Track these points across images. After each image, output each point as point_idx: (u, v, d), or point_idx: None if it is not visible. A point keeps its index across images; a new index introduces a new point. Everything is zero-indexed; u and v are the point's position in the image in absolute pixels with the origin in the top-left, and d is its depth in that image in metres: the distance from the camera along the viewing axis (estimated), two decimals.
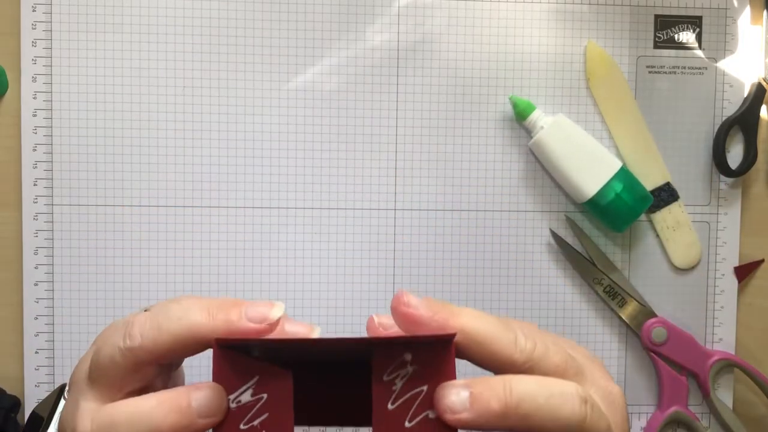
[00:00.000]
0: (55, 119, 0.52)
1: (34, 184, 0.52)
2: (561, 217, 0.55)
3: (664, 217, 0.56)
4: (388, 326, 0.31)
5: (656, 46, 0.55)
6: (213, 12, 0.53)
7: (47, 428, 0.43)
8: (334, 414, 0.32)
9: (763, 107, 0.56)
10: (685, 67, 0.55)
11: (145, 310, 0.32)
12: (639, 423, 0.57)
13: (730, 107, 0.56)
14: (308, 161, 0.54)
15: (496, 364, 0.31)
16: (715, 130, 0.56)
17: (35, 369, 0.53)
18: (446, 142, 0.55)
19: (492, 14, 0.54)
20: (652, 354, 0.56)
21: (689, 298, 0.56)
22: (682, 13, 0.55)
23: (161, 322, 0.30)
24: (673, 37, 0.55)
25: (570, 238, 0.55)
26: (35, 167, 0.52)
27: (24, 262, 0.53)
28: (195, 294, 0.54)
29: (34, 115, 0.52)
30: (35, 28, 0.52)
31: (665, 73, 0.55)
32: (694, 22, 0.55)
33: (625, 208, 0.52)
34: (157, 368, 0.31)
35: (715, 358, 0.56)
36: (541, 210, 0.55)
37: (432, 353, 0.29)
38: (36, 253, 0.53)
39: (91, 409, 0.30)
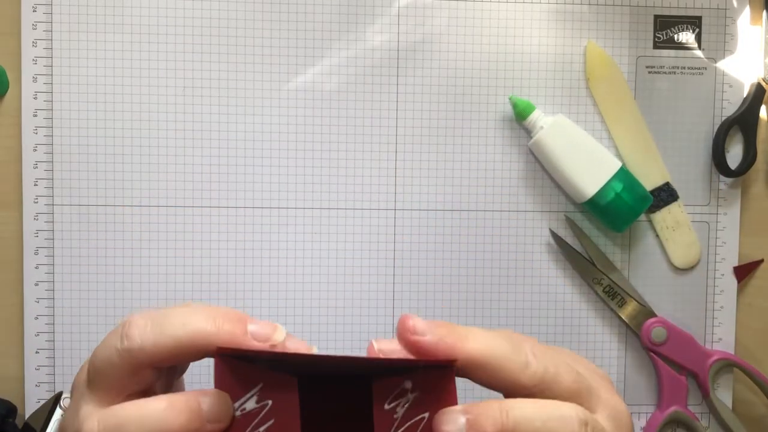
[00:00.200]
0: (55, 119, 0.52)
1: (35, 184, 0.53)
2: (561, 217, 0.55)
3: (664, 217, 0.56)
4: (387, 352, 0.31)
5: (656, 46, 0.55)
6: (213, 12, 0.53)
7: None
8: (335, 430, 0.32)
9: (763, 107, 0.56)
10: (684, 68, 0.56)
11: None
12: (638, 423, 0.57)
13: (730, 107, 0.56)
14: (308, 161, 0.54)
15: (506, 388, 0.30)
16: (715, 130, 0.56)
17: (35, 369, 0.53)
18: (446, 142, 0.55)
19: (492, 14, 0.54)
20: (652, 354, 0.56)
21: (689, 298, 0.57)
22: (682, 13, 0.55)
23: (164, 325, 0.30)
24: (673, 38, 0.55)
25: (570, 238, 0.55)
26: (36, 167, 0.52)
27: (24, 262, 0.53)
28: (195, 293, 0.54)
29: (35, 115, 0.52)
30: (36, 28, 0.52)
31: (665, 73, 0.55)
32: (694, 23, 0.55)
33: (625, 208, 0.52)
34: (156, 372, 0.31)
35: (715, 357, 0.56)
36: (540, 210, 0.55)
37: (432, 380, 0.29)
38: (36, 253, 0.53)
39: (92, 412, 0.30)
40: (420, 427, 0.29)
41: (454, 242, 0.55)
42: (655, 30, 0.55)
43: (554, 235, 0.55)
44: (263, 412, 0.29)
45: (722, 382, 0.57)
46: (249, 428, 0.29)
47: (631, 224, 0.54)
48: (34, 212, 0.53)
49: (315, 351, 0.32)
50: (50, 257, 0.53)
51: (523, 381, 0.30)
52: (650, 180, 0.55)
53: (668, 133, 0.56)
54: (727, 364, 0.56)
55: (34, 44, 0.52)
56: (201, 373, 0.52)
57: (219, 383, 0.29)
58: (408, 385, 0.29)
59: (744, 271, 0.57)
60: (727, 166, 0.55)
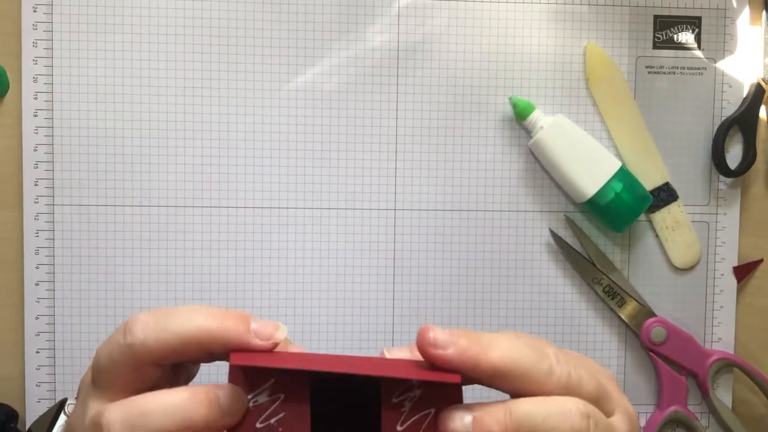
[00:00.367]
0: (55, 119, 0.52)
1: (35, 185, 0.53)
2: (560, 217, 0.55)
3: (664, 217, 0.56)
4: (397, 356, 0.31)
5: (655, 46, 0.55)
6: (213, 12, 0.53)
7: None
8: (345, 430, 0.33)
9: (762, 107, 0.56)
10: (684, 68, 0.56)
11: None
12: (638, 423, 0.57)
13: (729, 107, 0.56)
14: (308, 161, 0.54)
15: (531, 395, 0.30)
16: (714, 130, 0.56)
17: (36, 369, 0.53)
18: (446, 142, 0.55)
19: (492, 14, 0.54)
20: (652, 354, 0.56)
21: (688, 297, 0.57)
22: (682, 13, 0.55)
23: (167, 321, 0.30)
24: (673, 38, 0.55)
25: (569, 238, 0.55)
26: (36, 167, 0.53)
27: (25, 262, 0.53)
28: (195, 293, 0.54)
29: (35, 116, 0.52)
30: (36, 29, 0.52)
31: (664, 73, 0.56)
32: (694, 23, 0.55)
33: (625, 208, 0.52)
34: (159, 370, 0.31)
35: (715, 357, 0.56)
36: (540, 210, 0.55)
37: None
38: (37, 253, 0.53)
39: (103, 407, 0.30)
40: (426, 422, 0.29)
41: (454, 242, 0.55)
42: (655, 30, 0.55)
43: (554, 235, 0.55)
44: (274, 405, 0.29)
45: (722, 382, 0.57)
46: (260, 419, 0.29)
47: (630, 224, 0.54)
48: (34, 212, 0.53)
49: (283, 333, 0.33)
50: (50, 257, 0.53)
51: (548, 388, 0.30)
52: (650, 180, 0.55)
53: (668, 133, 0.56)
54: (727, 364, 0.56)
55: (35, 44, 0.52)
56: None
57: (233, 379, 0.29)
58: (416, 381, 0.30)
59: (744, 271, 0.57)
60: (727, 166, 0.55)
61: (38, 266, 0.53)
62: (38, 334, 0.53)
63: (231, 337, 0.30)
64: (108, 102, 0.53)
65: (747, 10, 0.56)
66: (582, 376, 0.31)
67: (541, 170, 0.55)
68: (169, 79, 0.53)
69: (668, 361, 0.56)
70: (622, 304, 0.55)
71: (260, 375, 0.29)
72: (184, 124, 0.53)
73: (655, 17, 0.55)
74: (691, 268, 0.57)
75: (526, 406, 0.30)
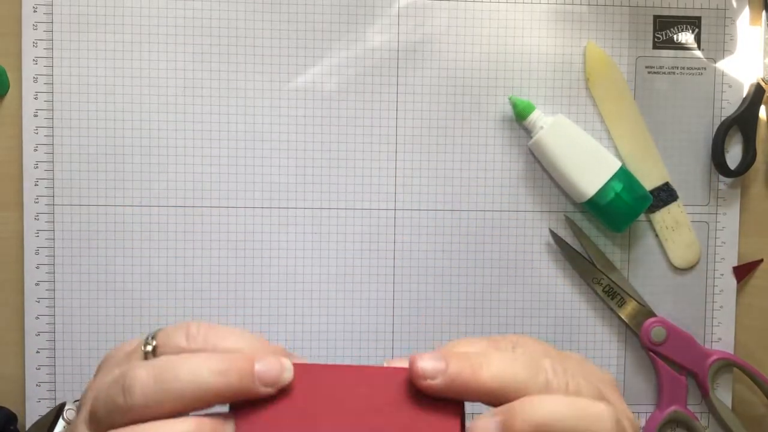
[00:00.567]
0: (56, 119, 0.52)
1: (35, 184, 0.53)
2: (560, 216, 0.56)
3: (664, 217, 0.56)
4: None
5: (655, 46, 0.55)
6: (213, 12, 0.53)
7: None
8: None
9: (762, 107, 0.56)
10: (684, 68, 0.56)
11: (146, 350, 0.31)
12: (638, 423, 0.57)
13: (729, 107, 0.56)
14: (308, 161, 0.54)
15: None
16: (714, 130, 0.56)
17: (36, 368, 0.53)
18: (446, 142, 0.55)
19: (492, 14, 0.54)
20: (652, 353, 0.56)
21: (688, 297, 0.57)
22: (681, 13, 0.55)
23: (168, 382, 0.29)
24: (672, 38, 0.55)
25: (569, 238, 0.55)
26: (36, 167, 0.53)
27: (25, 261, 0.53)
28: (195, 293, 0.54)
29: (35, 116, 0.52)
30: (36, 29, 0.52)
31: (664, 73, 0.56)
32: (693, 23, 0.55)
33: (625, 207, 0.52)
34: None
35: (714, 357, 0.56)
36: (540, 210, 0.55)
37: None
38: (37, 253, 0.53)
39: None
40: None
41: (454, 242, 0.55)
42: (655, 30, 0.55)
43: (554, 235, 0.55)
44: None
45: (722, 382, 0.57)
46: None
47: (630, 224, 0.54)
48: (34, 212, 0.53)
49: (288, 376, 0.32)
50: (51, 257, 0.53)
51: None
52: (650, 180, 0.55)
53: (668, 133, 0.56)
54: (727, 364, 0.56)
55: (35, 44, 0.52)
56: None
57: None
58: None
59: (743, 271, 0.57)
60: (727, 166, 0.55)
61: (38, 266, 0.53)
62: (38, 334, 0.53)
63: (235, 393, 0.29)
64: (108, 102, 0.53)
65: (747, 10, 0.56)
66: (581, 386, 0.31)
67: (541, 170, 0.55)
68: (169, 79, 0.53)
69: (668, 361, 0.56)
70: (622, 304, 0.55)
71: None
72: (184, 124, 0.53)
73: (655, 17, 0.55)
74: (691, 268, 0.57)
75: (554, 405, 0.29)
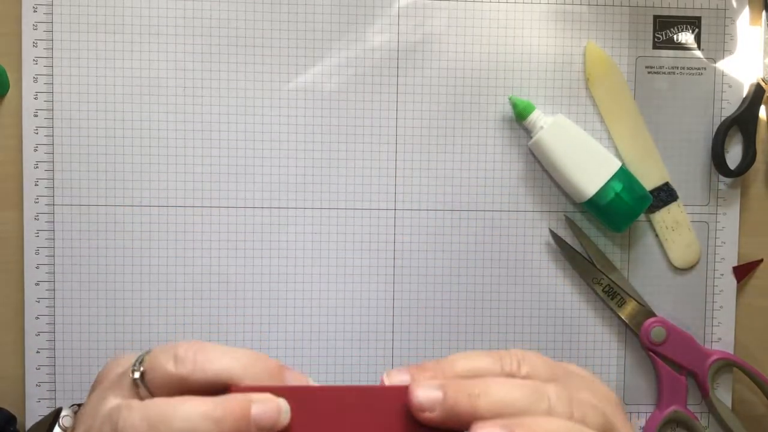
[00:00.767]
0: (56, 120, 0.52)
1: (35, 185, 0.53)
2: (560, 216, 0.56)
3: (663, 217, 0.56)
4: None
5: (655, 46, 0.55)
6: (213, 12, 0.53)
7: None
8: None
9: (762, 107, 0.56)
10: (684, 68, 0.56)
11: (134, 377, 0.31)
12: (638, 422, 0.57)
13: (729, 107, 0.56)
14: (308, 161, 0.54)
15: None
16: (714, 130, 0.56)
17: (36, 368, 0.53)
18: (446, 142, 0.55)
19: (492, 14, 0.54)
20: (651, 353, 0.56)
21: (688, 297, 0.57)
22: (681, 13, 0.55)
23: (159, 425, 0.28)
24: (672, 38, 0.55)
25: (569, 238, 0.55)
26: (36, 167, 0.53)
27: (25, 261, 0.53)
28: (195, 293, 0.54)
29: (35, 116, 0.52)
30: (36, 29, 0.52)
31: (664, 73, 0.56)
32: (693, 23, 0.55)
33: (625, 207, 0.52)
34: None
35: (714, 357, 0.56)
36: (540, 210, 0.55)
37: None
38: (37, 253, 0.53)
39: (120, 402, 0.30)
40: None
41: (454, 242, 0.55)
42: (655, 30, 0.55)
43: (554, 235, 0.55)
44: None
45: (722, 382, 0.57)
46: None
47: (630, 224, 0.54)
48: (34, 212, 0.53)
49: (311, 382, 0.32)
50: (51, 257, 0.53)
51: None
52: (650, 180, 0.55)
53: (668, 133, 0.56)
54: (727, 364, 0.56)
55: (35, 44, 0.52)
56: None
57: None
58: None
59: (743, 271, 0.57)
60: (727, 166, 0.55)
61: (38, 266, 0.53)
62: (38, 334, 0.53)
63: None
64: (108, 102, 0.53)
65: (747, 10, 0.56)
66: (586, 414, 0.30)
67: (541, 170, 0.55)
68: (169, 79, 0.53)
69: (668, 361, 0.56)
70: (621, 304, 0.55)
71: None
72: (184, 124, 0.53)
73: (655, 17, 0.55)
74: (691, 268, 0.57)
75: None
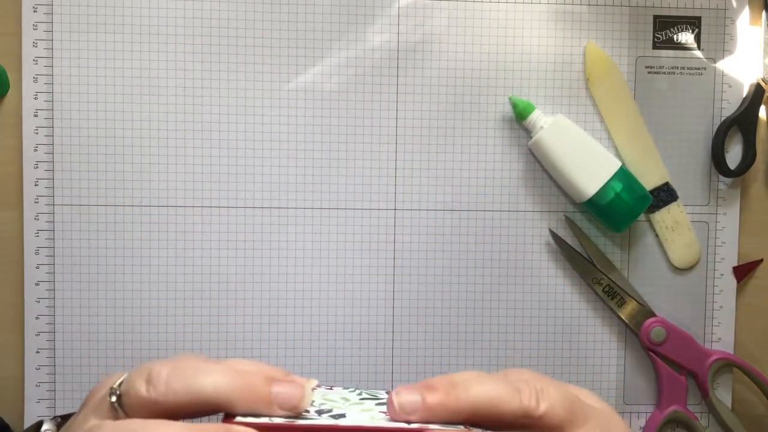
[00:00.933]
0: (56, 119, 0.52)
1: (35, 184, 0.53)
2: (560, 216, 0.56)
3: (663, 217, 0.56)
4: (409, 410, 0.30)
5: (655, 46, 0.55)
6: (213, 12, 0.53)
7: None
8: None
9: (762, 107, 0.56)
10: (684, 68, 0.56)
11: (111, 401, 0.30)
12: (638, 422, 0.57)
13: (729, 107, 0.56)
14: (308, 161, 0.54)
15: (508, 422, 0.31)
16: (714, 130, 0.56)
17: (36, 369, 0.53)
18: (446, 142, 0.55)
19: (492, 14, 0.54)
20: (651, 353, 0.56)
21: (688, 297, 0.57)
22: (681, 13, 0.55)
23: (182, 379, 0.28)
24: (672, 38, 0.55)
25: (569, 238, 0.56)
26: (36, 167, 0.53)
27: (25, 261, 0.53)
28: (195, 293, 0.54)
29: (35, 116, 0.52)
30: (36, 29, 0.52)
31: (664, 73, 0.56)
32: (693, 23, 0.55)
33: (625, 207, 0.52)
34: None
35: (714, 357, 0.56)
36: (540, 210, 0.55)
37: None
38: (37, 253, 0.53)
39: (98, 422, 0.30)
40: None
41: (454, 242, 0.55)
42: (655, 30, 0.55)
43: (554, 235, 0.55)
44: None
45: (722, 382, 0.57)
46: None
47: (630, 224, 0.54)
48: (34, 212, 0.53)
49: (314, 384, 0.31)
50: (51, 257, 0.53)
51: (515, 407, 0.30)
52: (650, 180, 0.55)
53: (667, 133, 0.56)
54: (727, 364, 0.56)
55: (35, 44, 0.52)
56: None
57: None
58: None
59: (743, 271, 0.57)
60: (727, 166, 0.55)
61: (38, 266, 0.53)
62: (38, 334, 0.53)
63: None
64: (108, 102, 0.53)
65: (747, 10, 0.56)
66: (549, 391, 0.31)
67: (541, 170, 0.55)
68: (169, 79, 0.53)
69: (668, 361, 0.56)
70: (621, 304, 0.55)
71: None
72: (184, 124, 0.53)
73: (655, 17, 0.55)
74: (691, 268, 0.57)
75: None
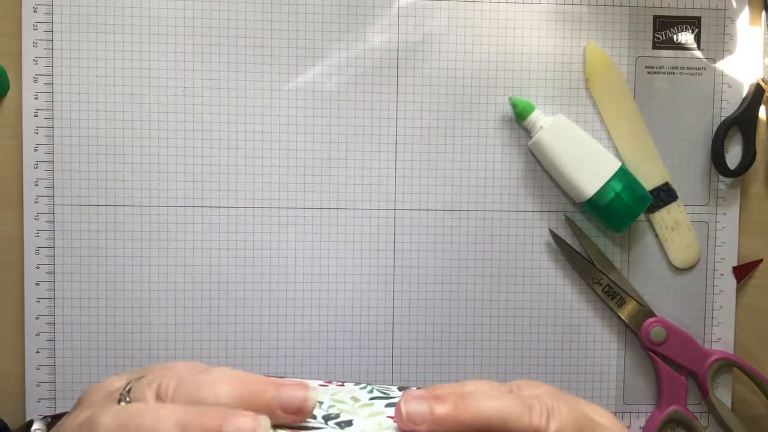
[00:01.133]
0: (56, 119, 0.52)
1: (35, 184, 0.53)
2: (560, 216, 0.56)
3: (663, 217, 0.56)
4: (418, 421, 0.30)
5: (655, 46, 0.55)
6: (213, 12, 0.53)
7: None
8: None
9: (762, 107, 0.56)
10: (683, 68, 0.56)
11: (128, 391, 0.30)
12: (638, 422, 0.57)
13: (729, 107, 0.56)
14: (308, 161, 0.54)
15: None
16: (714, 130, 0.56)
17: (36, 369, 0.53)
18: (446, 142, 0.55)
19: (492, 14, 0.54)
20: (651, 353, 0.56)
21: (688, 297, 0.57)
22: (681, 13, 0.55)
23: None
24: (672, 38, 0.55)
25: (569, 238, 0.56)
26: (36, 167, 0.53)
27: (25, 261, 0.53)
28: (195, 293, 0.54)
29: (36, 116, 0.52)
30: (36, 29, 0.52)
31: (664, 73, 0.56)
32: (693, 23, 0.55)
33: (625, 207, 0.52)
34: None
35: (714, 357, 0.56)
36: (540, 210, 0.55)
37: None
38: (37, 253, 0.53)
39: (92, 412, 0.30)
40: None
41: (454, 242, 0.55)
42: (655, 30, 0.55)
43: (554, 235, 0.55)
44: None
45: (721, 382, 0.57)
46: None
47: (630, 224, 0.54)
48: (34, 212, 0.53)
49: (312, 385, 0.31)
50: (51, 257, 0.53)
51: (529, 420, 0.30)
52: (649, 180, 0.55)
53: (667, 133, 0.56)
54: (727, 364, 0.56)
55: (35, 45, 0.52)
56: None
57: None
58: None
59: (743, 271, 0.57)
60: (727, 166, 0.56)
61: (38, 266, 0.53)
62: (38, 334, 0.53)
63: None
64: (108, 102, 0.53)
65: (747, 10, 0.56)
66: (560, 407, 0.31)
67: (541, 170, 0.55)
68: (169, 79, 0.53)
69: (668, 361, 0.56)
70: (621, 304, 0.55)
71: None
72: (184, 124, 0.53)
73: (655, 17, 0.55)
74: (691, 268, 0.57)
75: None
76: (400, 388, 0.35)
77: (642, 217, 0.56)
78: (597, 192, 0.52)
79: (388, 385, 0.36)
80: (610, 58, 0.55)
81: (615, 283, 0.55)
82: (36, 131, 0.52)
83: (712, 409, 0.57)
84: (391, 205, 0.55)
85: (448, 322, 0.55)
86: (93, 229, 0.53)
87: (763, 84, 0.55)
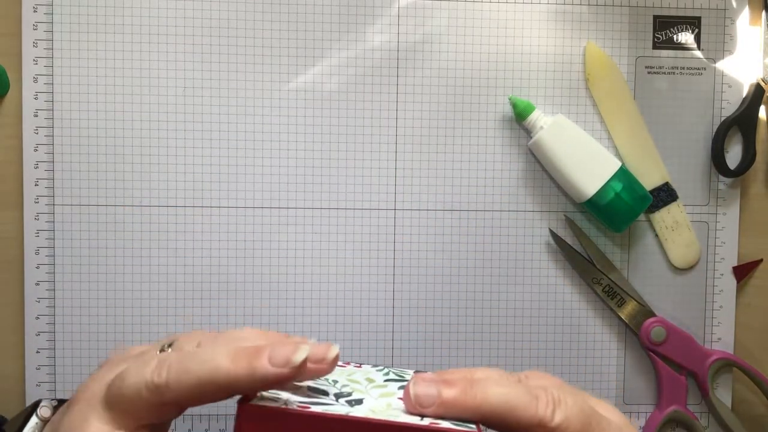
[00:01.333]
0: (56, 119, 0.52)
1: (35, 184, 0.53)
2: (560, 216, 0.56)
3: (663, 217, 0.56)
4: (426, 404, 0.30)
5: (655, 46, 0.55)
6: (213, 12, 0.53)
7: None
8: None
9: (762, 107, 0.56)
10: (683, 68, 0.56)
11: (169, 345, 0.33)
12: (638, 422, 0.57)
13: (729, 107, 0.56)
14: (308, 161, 0.54)
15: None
16: (714, 130, 0.56)
17: (36, 368, 0.53)
18: (446, 142, 0.55)
19: (492, 14, 0.54)
20: (651, 353, 0.56)
21: (688, 297, 0.57)
22: (681, 13, 0.55)
23: (189, 364, 0.30)
24: (672, 38, 0.55)
25: (569, 238, 0.56)
26: (36, 167, 0.53)
27: (25, 261, 0.53)
28: (195, 293, 0.54)
29: (36, 116, 0.52)
30: (36, 29, 0.52)
31: (664, 73, 0.56)
32: (693, 23, 0.55)
33: (625, 207, 0.52)
34: (177, 410, 0.31)
35: (714, 357, 0.56)
36: (540, 210, 0.55)
37: None
38: (37, 253, 0.53)
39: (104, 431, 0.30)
40: None
41: (454, 242, 0.55)
42: (655, 30, 0.55)
43: (554, 234, 0.55)
44: None
45: (721, 382, 0.57)
46: None
47: (630, 224, 0.54)
48: (34, 212, 0.53)
49: (336, 350, 0.32)
50: (51, 257, 0.53)
51: (537, 412, 0.31)
52: (650, 180, 0.55)
53: (667, 133, 0.56)
54: (727, 364, 0.56)
55: (35, 44, 0.52)
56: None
57: None
58: None
59: (743, 271, 0.57)
60: (727, 166, 0.56)
61: (38, 266, 0.53)
62: (38, 334, 0.53)
63: (245, 375, 0.29)
64: (108, 102, 0.53)
65: (747, 10, 0.56)
66: (566, 398, 0.31)
67: (541, 170, 0.55)
68: (169, 79, 0.53)
69: (668, 361, 0.56)
70: (621, 304, 0.55)
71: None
72: (184, 124, 0.53)
73: (655, 17, 0.55)
74: (691, 268, 0.57)
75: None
76: (416, 372, 0.35)
77: (642, 217, 0.56)
78: (597, 192, 0.52)
79: (405, 368, 0.36)
80: (610, 58, 0.55)
81: (615, 283, 0.55)
82: (36, 131, 0.52)
83: (712, 409, 0.57)
84: (391, 205, 0.55)
85: (448, 322, 0.55)
86: (93, 229, 0.53)
87: (763, 84, 0.55)
